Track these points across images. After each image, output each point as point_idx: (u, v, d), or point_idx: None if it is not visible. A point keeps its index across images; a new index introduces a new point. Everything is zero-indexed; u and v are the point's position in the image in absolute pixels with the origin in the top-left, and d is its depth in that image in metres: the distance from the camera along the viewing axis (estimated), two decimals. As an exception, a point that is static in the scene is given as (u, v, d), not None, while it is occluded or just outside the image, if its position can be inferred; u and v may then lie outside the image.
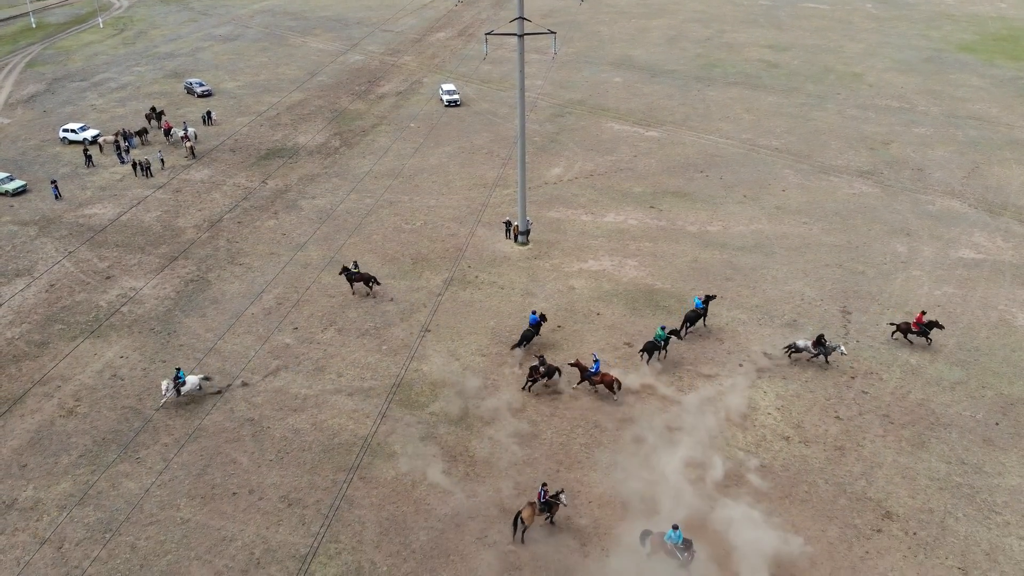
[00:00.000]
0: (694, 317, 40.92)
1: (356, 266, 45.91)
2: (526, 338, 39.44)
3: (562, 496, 27.99)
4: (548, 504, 27.93)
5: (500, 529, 28.97)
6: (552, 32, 50.97)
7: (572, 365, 36.85)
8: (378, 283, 45.36)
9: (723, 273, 47.61)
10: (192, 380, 35.64)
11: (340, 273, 45.82)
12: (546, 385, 36.92)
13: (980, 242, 51.78)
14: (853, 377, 37.75)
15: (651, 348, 38.08)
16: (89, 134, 69.76)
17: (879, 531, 29.03)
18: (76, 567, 27.80)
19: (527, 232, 51.76)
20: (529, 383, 36.44)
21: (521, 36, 46.52)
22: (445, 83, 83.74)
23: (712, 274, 47.61)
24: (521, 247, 51.42)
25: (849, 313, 43.26)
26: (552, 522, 28.44)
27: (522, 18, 46.13)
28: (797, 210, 56.42)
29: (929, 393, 36.48)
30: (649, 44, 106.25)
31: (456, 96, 79.99)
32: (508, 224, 52.43)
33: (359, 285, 45.79)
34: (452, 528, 29.01)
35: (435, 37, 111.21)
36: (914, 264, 48.73)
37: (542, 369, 36.14)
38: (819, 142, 70.09)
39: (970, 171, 63.73)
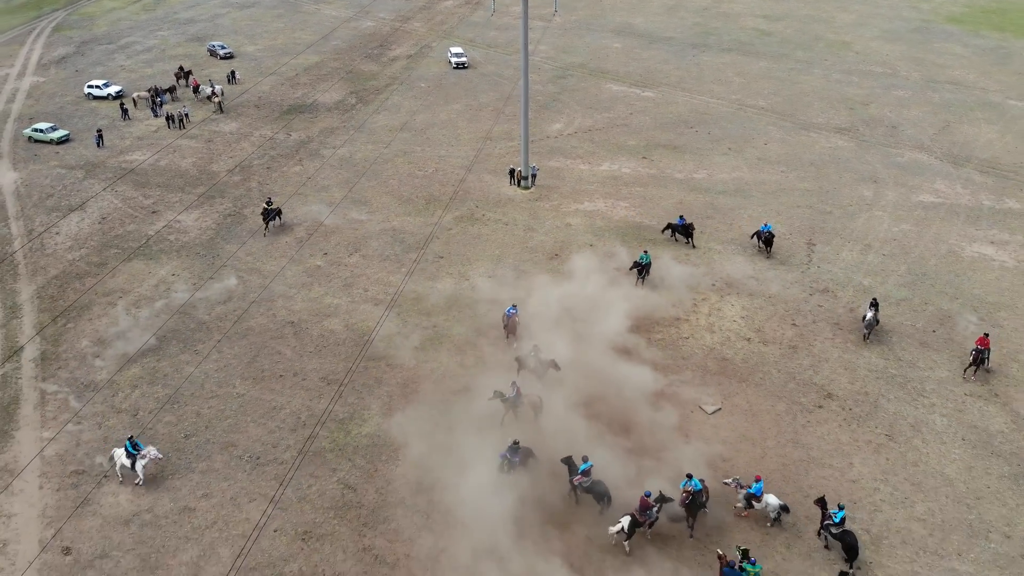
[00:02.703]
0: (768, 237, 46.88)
1: (270, 203, 50.25)
2: (670, 226, 48.88)
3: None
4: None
5: (498, 405, 34.56)
6: (554, -9, 56.01)
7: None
8: (280, 213, 50.13)
9: (704, 212, 53.03)
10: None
11: (261, 213, 49.99)
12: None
13: (940, 188, 57.08)
14: (811, 294, 43.33)
15: (636, 266, 44.17)
16: (112, 90, 75.16)
17: (820, 407, 34.74)
18: (150, 428, 33.59)
19: (533, 177, 57.06)
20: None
21: (526, -6, 51.67)
22: (453, 46, 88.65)
23: (695, 213, 52.95)
24: (524, 191, 56.77)
25: (814, 245, 48.73)
26: None
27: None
28: (776, 161, 61.69)
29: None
30: (649, 13, 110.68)
31: (464, 59, 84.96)
32: (512, 171, 57.73)
33: (273, 223, 49.94)
34: (463, 399, 34.71)
35: (443, 5, 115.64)
36: (878, 206, 54.09)
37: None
38: (803, 103, 75.15)
39: (941, 129, 68.84)
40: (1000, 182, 58.42)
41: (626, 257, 46.64)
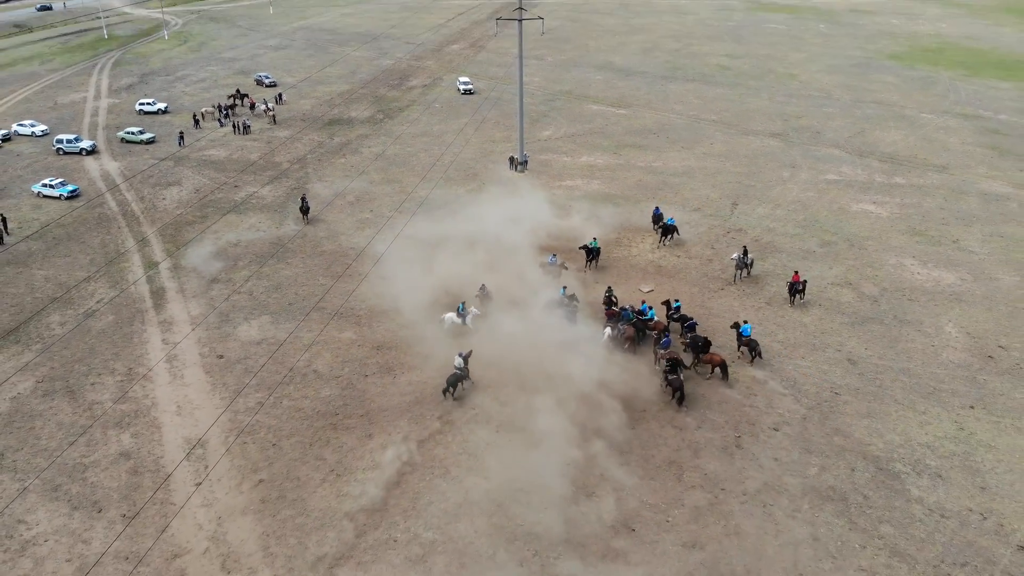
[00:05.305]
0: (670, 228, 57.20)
1: (304, 198, 60.86)
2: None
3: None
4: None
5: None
6: (541, 18, 73.27)
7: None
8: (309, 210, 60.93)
9: (657, 187, 69.10)
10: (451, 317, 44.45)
11: (299, 208, 61.04)
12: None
13: (844, 171, 73.38)
14: (728, 232, 59.07)
15: (585, 249, 53.13)
16: (160, 106, 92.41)
17: (722, 290, 50.21)
18: (263, 301, 48.83)
19: (525, 163, 73.31)
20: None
21: (520, 20, 68.71)
22: (461, 76, 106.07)
23: (650, 188, 69.08)
24: (520, 174, 72.92)
25: (736, 204, 64.72)
26: None
27: (520, 8, 68.39)
28: (718, 155, 78.18)
29: (775, 239, 57.59)
30: (627, 53, 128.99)
31: (470, 86, 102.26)
32: (512, 159, 73.97)
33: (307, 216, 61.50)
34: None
35: (451, 48, 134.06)
36: (791, 182, 70.29)
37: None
38: (747, 117, 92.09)
39: (856, 133, 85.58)
40: (894, 167, 74.83)
41: (598, 216, 62.45)
